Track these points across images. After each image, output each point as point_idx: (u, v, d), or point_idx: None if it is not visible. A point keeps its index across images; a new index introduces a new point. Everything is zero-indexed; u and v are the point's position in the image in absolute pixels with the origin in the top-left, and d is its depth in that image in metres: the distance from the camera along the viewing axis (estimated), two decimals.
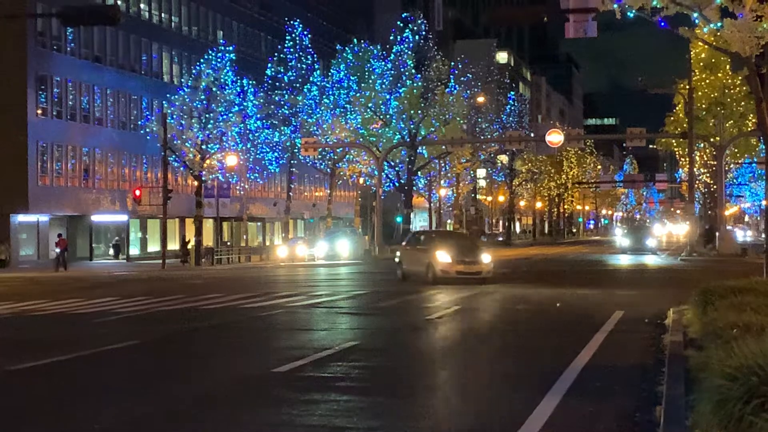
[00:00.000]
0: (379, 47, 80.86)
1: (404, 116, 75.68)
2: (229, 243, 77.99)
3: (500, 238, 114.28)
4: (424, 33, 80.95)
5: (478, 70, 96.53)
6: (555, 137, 64.01)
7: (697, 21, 19.19)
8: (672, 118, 75.07)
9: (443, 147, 76.92)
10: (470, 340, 18.16)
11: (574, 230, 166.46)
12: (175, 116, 63.15)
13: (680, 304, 20.38)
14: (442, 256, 34.15)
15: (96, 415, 11.18)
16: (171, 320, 22.82)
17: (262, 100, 70.18)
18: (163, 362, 15.82)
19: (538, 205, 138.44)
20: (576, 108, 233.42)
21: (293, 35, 76.75)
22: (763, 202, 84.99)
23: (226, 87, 64.25)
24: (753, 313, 14.20)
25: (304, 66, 76.04)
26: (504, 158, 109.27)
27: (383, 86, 76.14)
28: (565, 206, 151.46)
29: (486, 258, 34.63)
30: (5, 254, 60.75)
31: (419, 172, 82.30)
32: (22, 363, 15.21)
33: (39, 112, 63.78)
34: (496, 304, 26.08)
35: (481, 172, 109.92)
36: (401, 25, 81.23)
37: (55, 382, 13.68)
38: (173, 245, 70.83)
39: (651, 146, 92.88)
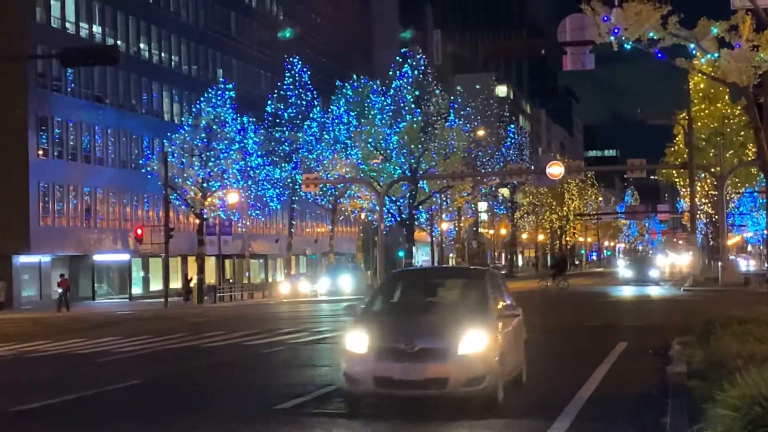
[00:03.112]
0: (378, 82, 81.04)
1: (405, 151, 75.72)
2: (231, 280, 77.89)
3: (503, 272, 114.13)
4: (423, 68, 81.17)
5: (477, 103, 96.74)
6: (555, 169, 64.01)
7: (694, 52, 19.25)
8: (672, 149, 75.07)
9: (444, 181, 76.90)
10: None
11: (577, 262, 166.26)
12: (175, 155, 63.21)
13: (684, 334, 20.31)
14: (354, 342, 13.54)
15: None
16: (174, 359, 22.77)
17: (262, 137, 70.28)
18: (166, 401, 15.76)
19: (540, 237, 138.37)
20: (576, 140, 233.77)
21: (293, 72, 76.99)
22: (766, 232, 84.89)
23: (227, 124, 64.41)
24: (756, 343, 14.19)
25: (303, 102, 76.20)
26: (505, 191, 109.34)
27: (383, 121, 76.22)
28: (568, 238, 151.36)
29: (474, 341, 13.04)
30: (1, 295, 59.73)
31: (420, 207, 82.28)
32: (24, 404, 15.15)
33: (40, 152, 63.86)
34: None
35: (483, 206, 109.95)
36: (400, 60, 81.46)
37: (57, 423, 13.62)
38: (176, 284, 70.70)
39: (652, 177, 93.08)
